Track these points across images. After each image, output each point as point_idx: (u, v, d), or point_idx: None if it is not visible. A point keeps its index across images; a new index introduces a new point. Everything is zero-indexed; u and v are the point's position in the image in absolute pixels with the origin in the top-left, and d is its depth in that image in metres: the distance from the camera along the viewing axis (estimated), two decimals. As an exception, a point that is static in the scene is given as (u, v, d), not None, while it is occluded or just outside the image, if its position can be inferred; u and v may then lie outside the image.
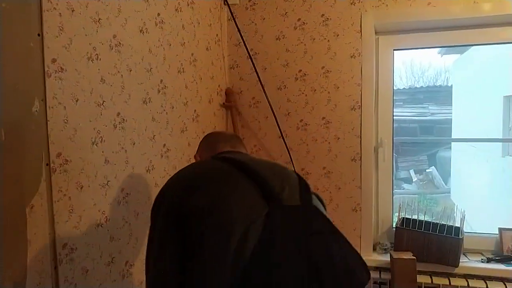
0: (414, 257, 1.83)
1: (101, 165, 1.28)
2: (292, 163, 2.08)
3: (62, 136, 1.13)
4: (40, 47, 1.06)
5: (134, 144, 1.44)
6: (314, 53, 2.05)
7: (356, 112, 2.00)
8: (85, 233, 1.22)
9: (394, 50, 2.06)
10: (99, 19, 1.26)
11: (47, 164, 1.08)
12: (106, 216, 1.30)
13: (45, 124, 1.07)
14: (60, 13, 1.11)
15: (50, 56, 1.08)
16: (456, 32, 1.95)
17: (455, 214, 1.97)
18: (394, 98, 2.09)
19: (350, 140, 2.02)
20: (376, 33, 2.04)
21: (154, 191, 1.54)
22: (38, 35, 1.05)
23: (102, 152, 1.28)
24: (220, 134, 1.38)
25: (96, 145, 1.25)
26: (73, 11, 1.16)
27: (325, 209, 1.05)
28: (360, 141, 2.00)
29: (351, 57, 1.99)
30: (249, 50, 2.11)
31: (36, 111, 1.05)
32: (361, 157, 2.00)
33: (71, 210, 1.16)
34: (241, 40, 2.12)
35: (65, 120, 1.14)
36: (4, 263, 0.96)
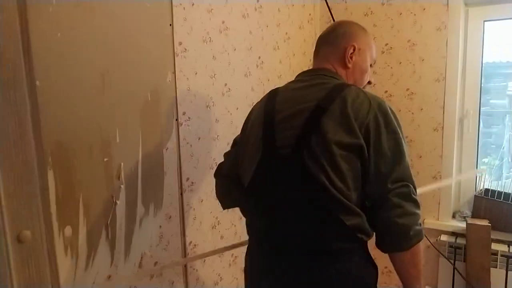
0: (489, 224, 1.90)
1: (213, 122, 1.67)
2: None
3: (186, 99, 1.53)
4: (171, 34, 1.46)
5: (237, 109, 1.80)
6: (400, 27, 2.17)
7: (440, 83, 2.08)
8: (201, 173, 1.63)
9: (484, 21, 2.07)
10: (212, 9, 1.63)
11: (176, 119, 1.50)
12: (216, 162, 1.69)
13: (175, 90, 1.49)
14: (184, 8, 1.50)
15: (178, 40, 1.48)
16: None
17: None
18: (482, 70, 2.11)
19: (433, 110, 2.12)
20: (466, 5, 2.07)
21: (252, 147, 1.90)
22: (170, 25, 1.45)
23: (214, 113, 1.67)
24: (322, 39, 1.30)
25: (209, 107, 1.65)
26: (193, 4, 1.54)
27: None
28: (443, 111, 2.09)
29: (437, 30, 2.07)
30: (338, 27, 2.32)
31: (169, 80, 1.46)
32: (443, 127, 2.09)
33: (191, 155, 1.58)
34: (331, 18, 2.33)
35: (188, 88, 1.54)
36: (149, 188, 1.41)
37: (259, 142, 1.15)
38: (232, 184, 1.30)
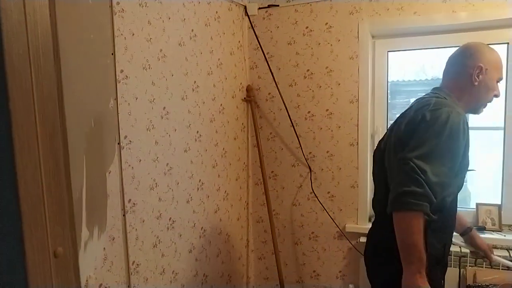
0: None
1: (152, 144, 1.75)
2: (301, 148, 2.50)
3: (128, 124, 1.60)
4: (113, 62, 1.53)
5: (175, 130, 1.90)
6: (319, 55, 2.44)
7: (354, 104, 2.39)
8: (142, 194, 1.70)
9: (388, 51, 2.43)
10: (150, 38, 1.72)
11: (118, 143, 1.56)
12: (156, 183, 1.77)
13: (117, 115, 1.55)
14: (125, 37, 1.58)
15: (119, 68, 1.56)
16: (440, 35, 2.29)
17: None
18: (388, 92, 2.46)
19: (349, 128, 2.41)
20: (372, 37, 2.41)
21: (190, 167, 2.01)
22: (112, 54, 1.53)
23: (153, 135, 1.75)
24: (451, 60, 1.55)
25: (149, 130, 1.73)
26: (133, 34, 1.63)
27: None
28: (357, 129, 2.39)
29: (350, 58, 2.38)
30: (265, 54, 2.54)
31: (111, 106, 1.53)
32: (358, 142, 2.39)
33: (133, 177, 1.64)
34: (259, 45, 2.54)
35: (129, 113, 1.61)
36: (93, 211, 1.45)
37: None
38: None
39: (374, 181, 1.63)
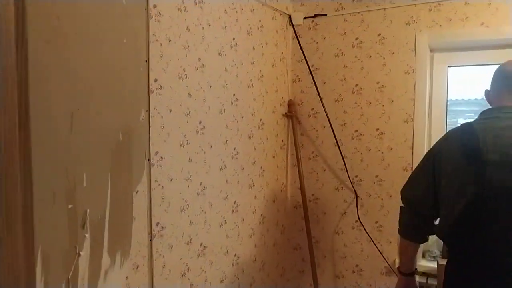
0: (461, 263, 1.92)
1: (186, 161, 1.58)
2: (346, 170, 2.27)
3: (159, 138, 1.45)
4: (146, 70, 1.39)
5: (211, 147, 1.73)
6: (370, 69, 2.22)
7: (409, 124, 2.14)
8: (172, 216, 1.52)
9: (448, 66, 2.17)
10: (188, 46, 1.58)
11: (148, 160, 1.40)
12: (187, 204, 1.60)
13: (148, 129, 1.40)
14: (161, 44, 1.44)
15: (153, 77, 1.41)
16: (509, 50, 2.01)
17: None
18: (447, 112, 2.19)
19: (403, 150, 2.16)
20: (431, 50, 2.16)
21: (225, 187, 1.83)
22: (146, 61, 1.38)
23: (187, 152, 1.59)
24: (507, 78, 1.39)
25: (183, 146, 1.56)
26: (169, 41, 1.48)
27: None
28: (412, 152, 2.14)
29: (405, 73, 2.14)
30: (310, 66, 2.35)
31: (142, 119, 1.38)
32: (412, 167, 2.13)
33: (163, 197, 1.48)
34: (303, 57, 2.36)
35: (162, 127, 1.46)
36: (116, 235, 1.29)
37: (466, 180, 1.25)
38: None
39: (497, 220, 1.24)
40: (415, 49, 2.12)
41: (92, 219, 1.20)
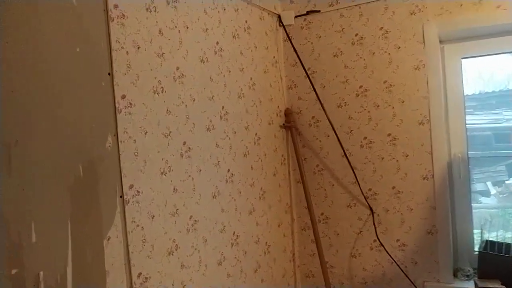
0: (503, 286, 1.65)
1: (170, 193, 1.30)
2: (358, 183, 2.00)
3: (134, 168, 1.17)
4: (110, 85, 1.11)
5: (200, 171, 1.46)
6: (374, 67, 1.97)
7: (425, 126, 1.88)
8: (157, 262, 1.24)
9: (462, 58, 1.92)
10: (163, 53, 1.31)
11: (120, 196, 1.12)
12: (176, 245, 1.31)
13: (118, 157, 1.12)
14: (127, 51, 1.17)
15: (120, 93, 1.14)
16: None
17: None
18: (465, 109, 1.94)
19: (420, 156, 1.89)
20: (440, 42, 1.92)
21: (221, 217, 1.55)
22: (108, 74, 1.11)
23: (171, 181, 1.31)
24: None
25: (164, 174, 1.28)
26: (138, 48, 1.22)
27: None
28: (431, 157, 1.87)
29: (415, 69, 1.89)
30: (306, 69, 2.09)
31: (109, 146, 1.10)
32: (433, 174, 1.87)
33: (143, 240, 1.19)
34: (298, 60, 2.10)
35: (136, 153, 1.18)
36: (85, 294, 1.00)
37: None
38: None
39: None
40: (423, 41, 1.88)
41: (49, 284, 0.91)
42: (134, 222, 1.16)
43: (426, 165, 1.89)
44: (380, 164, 1.98)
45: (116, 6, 1.14)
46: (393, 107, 1.95)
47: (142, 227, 1.19)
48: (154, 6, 1.28)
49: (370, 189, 2.01)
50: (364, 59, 2.00)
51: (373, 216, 1.99)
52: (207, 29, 1.54)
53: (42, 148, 0.92)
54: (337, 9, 2.04)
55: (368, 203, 2.00)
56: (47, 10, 0.95)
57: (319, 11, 2.08)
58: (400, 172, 1.94)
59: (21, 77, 0.89)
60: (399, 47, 1.93)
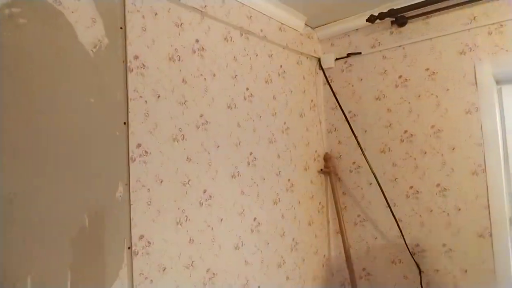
0: None
1: (184, 244, 1.25)
2: (403, 237, 1.80)
3: (145, 218, 1.14)
4: (125, 134, 1.12)
5: (221, 220, 1.40)
6: (420, 111, 1.82)
7: (480, 177, 1.66)
8: (166, 318, 1.17)
9: (524, 100, 1.72)
10: (185, 101, 1.31)
11: (129, 248, 1.09)
12: (188, 300, 1.25)
13: (129, 207, 1.10)
14: (146, 101, 1.18)
15: (135, 141, 1.14)
16: None
17: None
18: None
19: (475, 211, 1.67)
20: (497, 82, 1.73)
21: (243, 269, 1.46)
22: (124, 123, 1.12)
23: (186, 231, 1.26)
24: None
25: (180, 224, 1.24)
26: (158, 96, 1.22)
27: None
28: (489, 212, 1.64)
29: (467, 112, 1.71)
30: (346, 113, 1.99)
31: (120, 195, 1.09)
32: (491, 232, 1.63)
33: (152, 294, 1.14)
34: (337, 103, 2.02)
35: (149, 203, 1.16)
36: None
37: None
38: None
39: None
40: (476, 83, 1.70)
41: None
42: (143, 274, 1.12)
43: (482, 221, 1.65)
44: (428, 217, 1.78)
45: (136, 57, 1.16)
46: (442, 154, 1.77)
47: (151, 280, 1.14)
48: (178, 56, 1.30)
49: (417, 245, 1.80)
50: (409, 102, 1.86)
51: (420, 276, 1.77)
52: (236, 75, 1.53)
53: (46, 199, 0.93)
54: (380, 51, 1.95)
55: (415, 261, 1.78)
56: (63, 62, 0.99)
57: (360, 53, 2.00)
58: (452, 228, 1.72)
59: (24, 127, 0.91)
60: (447, 89, 1.77)
